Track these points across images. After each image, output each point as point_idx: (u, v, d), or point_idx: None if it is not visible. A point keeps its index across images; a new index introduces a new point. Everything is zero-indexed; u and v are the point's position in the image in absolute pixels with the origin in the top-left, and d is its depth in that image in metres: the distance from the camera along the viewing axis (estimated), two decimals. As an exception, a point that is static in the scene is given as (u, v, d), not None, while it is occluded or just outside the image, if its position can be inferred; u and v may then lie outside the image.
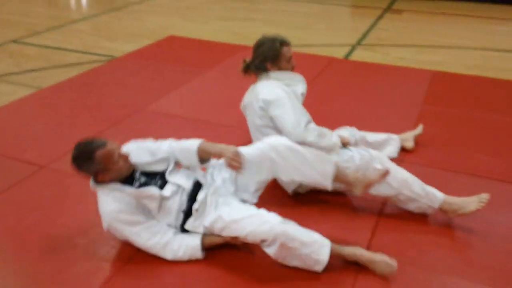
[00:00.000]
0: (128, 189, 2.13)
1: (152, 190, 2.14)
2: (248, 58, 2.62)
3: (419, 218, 2.46)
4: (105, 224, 2.14)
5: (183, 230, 2.23)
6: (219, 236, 2.16)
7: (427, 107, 3.73)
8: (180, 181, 2.22)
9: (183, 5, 7.37)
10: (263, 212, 2.09)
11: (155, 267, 2.16)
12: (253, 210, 2.12)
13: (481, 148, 3.13)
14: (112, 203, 2.12)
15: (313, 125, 2.49)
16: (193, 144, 2.26)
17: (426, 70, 4.53)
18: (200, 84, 4.21)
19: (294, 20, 6.53)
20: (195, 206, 2.17)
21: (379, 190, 2.40)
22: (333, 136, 2.49)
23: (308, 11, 7.19)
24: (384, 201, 2.56)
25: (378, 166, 2.40)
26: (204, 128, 3.36)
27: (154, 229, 2.15)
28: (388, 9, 7.12)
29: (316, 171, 2.18)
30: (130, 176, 2.20)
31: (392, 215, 2.49)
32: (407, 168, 2.49)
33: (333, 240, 2.10)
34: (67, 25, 6.24)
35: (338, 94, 4.00)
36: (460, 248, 2.28)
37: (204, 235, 2.19)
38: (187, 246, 2.15)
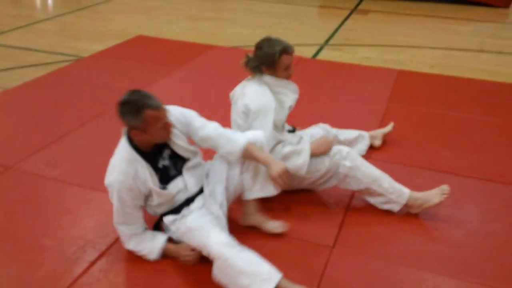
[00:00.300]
0: (142, 176, 2.07)
1: (165, 193, 2.12)
2: (251, 54, 2.51)
3: (386, 213, 2.52)
4: (106, 180, 2.10)
5: (157, 222, 2.25)
6: (182, 246, 2.18)
7: (392, 104, 3.82)
8: (190, 182, 2.19)
9: (150, 4, 7.33)
10: (215, 229, 2.05)
11: (124, 267, 2.16)
12: (208, 224, 2.09)
13: (444, 144, 3.23)
14: (122, 171, 2.04)
15: (279, 147, 2.50)
16: (240, 140, 2.19)
17: (392, 69, 4.63)
18: (169, 83, 4.21)
19: (262, 20, 6.58)
20: (185, 211, 2.18)
21: (351, 185, 2.47)
22: (301, 158, 2.45)
23: (276, 11, 7.25)
24: (352, 196, 2.62)
25: (348, 164, 2.45)
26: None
27: (131, 219, 2.13)
28: (355, 9, 7.23)
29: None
30: (158, 149, 2.11)
31: (359, 210, 2.55)
32: (373, 165, 2.55)
33: (301, 232, 2.14)
34: (33, 24, 6.12)
35: (307, 93, 4.00)
36: (425, 241, 2.35)
37: (169, 242, 2.21)
38: (149, 244, 2.17)
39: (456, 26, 6.47)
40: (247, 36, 5.70)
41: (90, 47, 5.16)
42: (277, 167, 2.10)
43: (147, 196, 2.14)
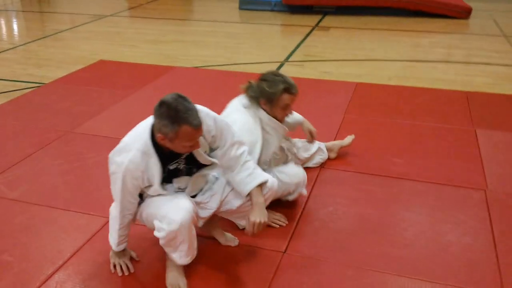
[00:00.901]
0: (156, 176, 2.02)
1: (163, 192, 2.08)
2: (254, 81, 2.44)
3: (338, 219, 2.57)
4: (114, 159, 2.04)
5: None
6: None
7: (349, 116, 3.91)
8: (193, 185, 2.16)
9: (112, 30, 7.37)
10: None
11: (80, 279, 2.16)
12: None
13: (397, 151, 3.30)
14: (134, 161, 1.97)
15: None
16: (254, 182, 2.13)
17: (350, 82, 4.74)
18: (129, 105, 4.22)
19: (223, 41, 6.67)
20: None
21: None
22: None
23: (238, 31, 7.36)
24: (306, 203, 2.67)
25: (304, 192, 2.59)
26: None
27: (126, 204, 2.09)
28: (316, 26, 7.39)
29: None
30: (177, 153, 2.02)
31: (311, 216, 2.60)
32: (328, 173, 2.60)
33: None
34: (-6, 54, 6.10)
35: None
36: (376, 244, 2.39)
37: None
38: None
39: (416, 38, 6.67)
40: (208, 57, 5.78)
41: (52, 74, 5.15)
42: (259, 217, 2.08)
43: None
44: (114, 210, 2.15)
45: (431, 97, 4.31)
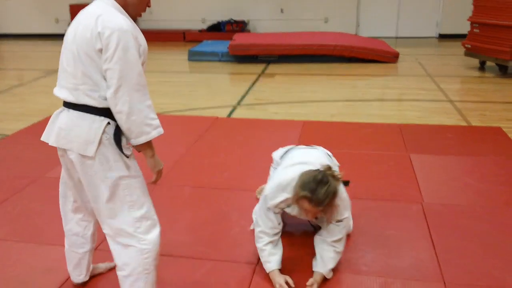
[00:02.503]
0: None
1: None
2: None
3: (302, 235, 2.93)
4: (111, 25, 1.88)
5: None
6: None
7: (301, 149, 4.34)
8: None
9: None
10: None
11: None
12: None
13: (346, 177, 3.72)
14: (128, 23, 1.93)
15: None
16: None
17: (298, 120, 5.22)
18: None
19: (178, 89, 7.07)
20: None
21: None
22: None
23: (191, 80, 7.80)
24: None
25: None
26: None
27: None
28: (262, 73, 7.95)
29: None
30: None
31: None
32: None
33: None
34: (-50, 110, 6.18)
35: (223, 147, 4.50)
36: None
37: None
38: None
39: (353, 81, 7.34)
40: (165, 105, 6.13)
41: (13, 126, 5.32)
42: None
43: None
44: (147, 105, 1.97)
45: (370, 130, 4.84)
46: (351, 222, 2.88)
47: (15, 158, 4.33)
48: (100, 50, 1.87)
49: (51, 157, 4.46)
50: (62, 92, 2.05)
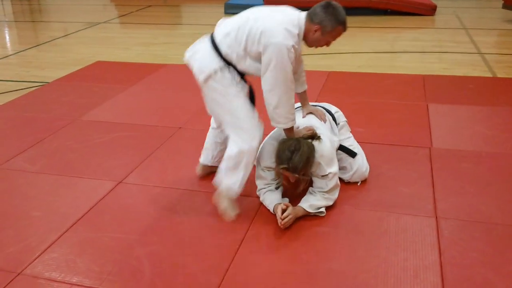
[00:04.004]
0: None
1: None
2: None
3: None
4: (274, 40, 2.36)
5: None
6: None
7: (321, 98, 4.48)
8: None
9: (106, 35, 7.92)
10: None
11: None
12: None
13: (359, 123, 3.87)
14: (295, 40, 2.41)
15: None
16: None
17: (323, 71, 5.33)
18: (128, 96, 4.77)
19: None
20: None
21: None
22: None
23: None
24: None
25: None
26: (129, 129, 3.93)
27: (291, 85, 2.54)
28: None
29: None
30: None
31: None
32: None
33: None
34: (-3, 60, 6.62)
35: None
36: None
37: None
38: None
39: (385, 33, 7.30)
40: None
41: (54, 74, 5.67)
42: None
43: None
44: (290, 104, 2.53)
45: (393, 81, 4.91)
46: (365, 169, 3.02)
47: (53, 102, 4.67)
48: (260, 53, 2.41)
49: (87, 102, 4.84)
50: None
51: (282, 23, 2.39)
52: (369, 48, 6.42)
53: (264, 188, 2.79)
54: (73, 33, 8.17)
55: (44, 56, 6.73)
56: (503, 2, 7.66)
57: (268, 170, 2.74)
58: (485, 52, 6.01)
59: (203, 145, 3.12)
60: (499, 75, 5.05)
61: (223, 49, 2.52)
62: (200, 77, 2.59)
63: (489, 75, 5.09)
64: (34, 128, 4.07)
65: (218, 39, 2.56)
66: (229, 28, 2.53)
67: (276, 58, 2.36)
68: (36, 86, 5.26)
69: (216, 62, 2.53)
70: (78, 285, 2.25)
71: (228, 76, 2.54)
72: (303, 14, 2.47)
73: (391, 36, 7.16)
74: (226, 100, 2.56)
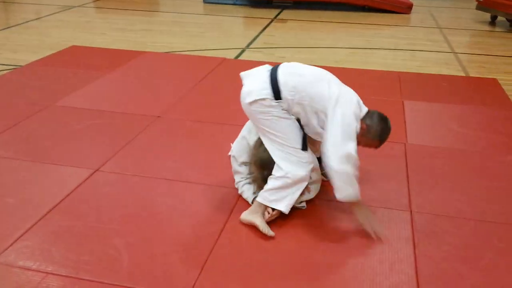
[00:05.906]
0: None
1: None
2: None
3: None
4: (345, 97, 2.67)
5: None
6: None
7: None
8: None
9: (83, 20, 7.78)
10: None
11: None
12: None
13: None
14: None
15: None
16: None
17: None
18: (104, 83, 4.70)
19: (189, 30, 7.20)
20: None
21: None
22: None
23: (202, 21, 7.90)
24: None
25: None
26: (106, 117, 3.89)
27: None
28: (275, 18, 8.01)
29: None
30: None
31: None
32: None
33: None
34: (-34, 41, 6.42)
35: (227, 86, 4.68)
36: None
37: None
38: None
39: (362, 30, 7.38)
40: (175, 44, 6.29)
41: (27, 58, 5.54)
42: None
43: None
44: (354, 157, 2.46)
45: (369, 76, 4.98)
46: None
47: (27, 87, 4.57)
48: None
49: (62, 88, 4.75)
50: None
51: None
52: (346, 44, 6.49)
53: (241, 181, 2.84)
54: (47, 15, 7.99)
55: (17, 38, 6.57)
56: (477, 3, 7.82)
57: (245, 165, 2.82)
58: (458, 51, 6.14)
59: (182, 135, 3.11)
60: (471, 75, 5.18)
61: None
62: None
63: (462, 74, 5.21)
64: (6, 113, 3.97)
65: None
66: None
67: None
68: (8, 70, 5.14)
69: None
70: (54, 274, 2.22)
71: None
72: (365, 108, 2.62)
73: (369, 32, 7.25)
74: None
